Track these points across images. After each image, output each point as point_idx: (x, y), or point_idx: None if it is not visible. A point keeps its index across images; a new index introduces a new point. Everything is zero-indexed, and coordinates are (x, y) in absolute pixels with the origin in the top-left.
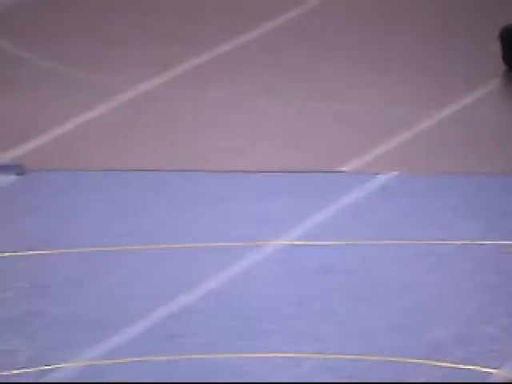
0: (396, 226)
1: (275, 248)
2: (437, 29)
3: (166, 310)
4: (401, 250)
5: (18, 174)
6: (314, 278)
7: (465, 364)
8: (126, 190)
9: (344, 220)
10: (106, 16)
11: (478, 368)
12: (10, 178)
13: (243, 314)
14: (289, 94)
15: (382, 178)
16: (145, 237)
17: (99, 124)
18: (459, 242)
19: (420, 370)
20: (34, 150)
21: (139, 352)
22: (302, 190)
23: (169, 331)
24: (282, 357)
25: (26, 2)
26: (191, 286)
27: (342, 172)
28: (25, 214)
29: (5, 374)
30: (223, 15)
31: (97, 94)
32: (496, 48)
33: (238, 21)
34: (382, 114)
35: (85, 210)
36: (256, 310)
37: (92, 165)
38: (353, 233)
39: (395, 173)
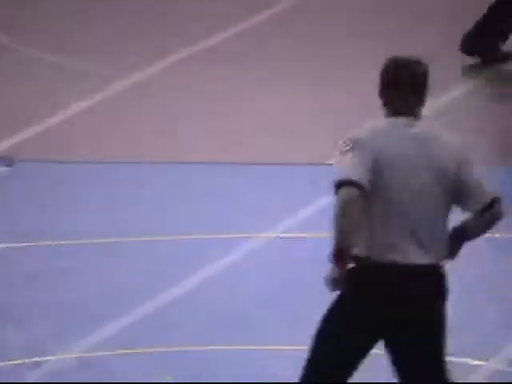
0: None
1: (266, 240)
2: (426, 25)
3: (157, 302)
4: None
5: (7, 166)
6: (304, 269)
7: (455, 356)
8: (117, 181)
9: None
10: (98, 5)
11: (467, 360)
12: None
13: (234, 306)
14: (281, 86)
15: None
16: (135, 229)
17: (91, 115)
18: None
19: None
20: (23, 141)
21: (131, 343)
22: (293, 182)
23: (160, 323)
24: (275, 349)
25: None
26: (182, 278)
27: (332, 164)
28: (15, 206)
29: None
30: (217, 6)
31: (88, 84)
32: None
33: (232, 11)
34: (374, 105)
35: (76, 201)
36: (247, 302)
37: (82, 156)
38: None
39: None
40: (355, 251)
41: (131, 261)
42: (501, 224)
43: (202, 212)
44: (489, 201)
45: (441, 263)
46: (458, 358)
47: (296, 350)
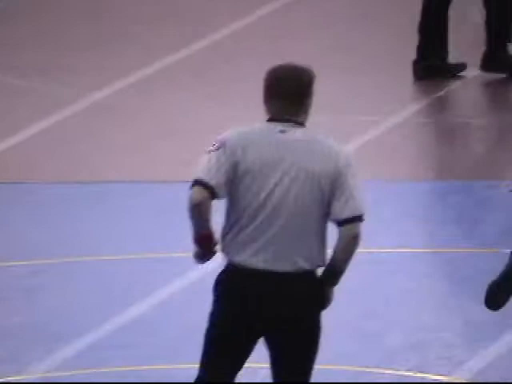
0: None
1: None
2: (390, 43)
3: (117, 321)
4: (354, 257)
5: None
6: None
7: (416, 371)
8: (74, 202)
9: None
10: (56, 24)
11: (427, 375)
12: None
13: (194, 325)
14: (240, 102)
15: None
16: (95, 248)
17: (49, 136)
18: (413, 250)
19: (372, 377)
20: None
21: (91, 363)
22: None
23: (120, 342)
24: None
25: None
26: (143, 296)
27: None
28: None
29: None
30: (178, 23)
31: (47, 104)
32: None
33: (193, 28)
34: (338, 121)
35: (34, 222)
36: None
37: (41, 177)
38: None
39: None
40: (224, 253)
41: (94, 280)
42: (463, 239)
43: (163, 230)
44: (350, 216)
45: (310, 271)
46: (418, 373)
47: (261, 367)
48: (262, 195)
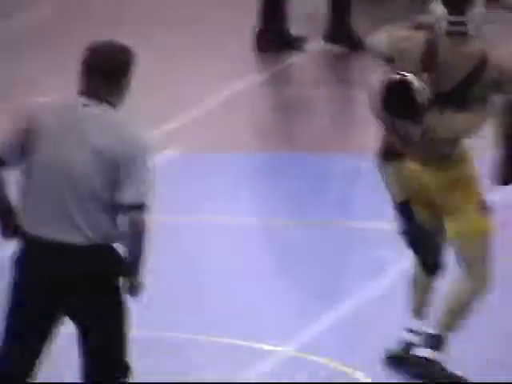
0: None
1: None
2: (231, 13)
3: None
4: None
5: None
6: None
7: (244, 340)
8: None
9: None
10: None
11: (259, 345)
12: None
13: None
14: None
15: (166, 157)
16: None
17: None
18: (246, 220)
19: (195, 345)
20: None
21: None
22: None
23: None
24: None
25: None
26: None
27: None
28: None
29: None
30: None
31: None
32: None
33: None
34: (174, 92)
35: None
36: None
37: None
38: None
39: (178, 151)
40: (21, 224)
41: None
42: (298, 211)
43: None
44: (130, 203)
45: (103, 245)
46: (251, 342)
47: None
48: (53, 167)
